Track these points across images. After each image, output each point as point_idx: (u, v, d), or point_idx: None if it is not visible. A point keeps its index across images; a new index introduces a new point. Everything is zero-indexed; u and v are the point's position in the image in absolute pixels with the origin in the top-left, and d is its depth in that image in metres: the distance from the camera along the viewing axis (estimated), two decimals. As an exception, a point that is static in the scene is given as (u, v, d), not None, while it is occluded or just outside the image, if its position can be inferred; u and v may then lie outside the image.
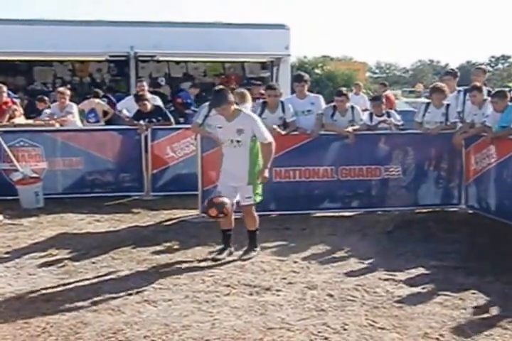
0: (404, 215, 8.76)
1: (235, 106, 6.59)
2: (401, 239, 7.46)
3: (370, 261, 6.57)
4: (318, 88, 29.24)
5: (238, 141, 6.54)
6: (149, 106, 10.26)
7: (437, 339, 4.55)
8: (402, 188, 9.03)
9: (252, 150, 6.64)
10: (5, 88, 11.02)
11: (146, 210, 9.09)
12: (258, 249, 6.86)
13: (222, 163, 6.82)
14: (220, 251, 6.76)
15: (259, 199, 6.79)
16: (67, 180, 10.06)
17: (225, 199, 6.43)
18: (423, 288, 5.71)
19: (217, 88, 6.93)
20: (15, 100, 11.62)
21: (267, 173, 6.72)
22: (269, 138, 6.66)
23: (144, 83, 11.50)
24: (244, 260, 6.56)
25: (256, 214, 6.83)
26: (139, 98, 10.36)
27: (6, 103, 10.89)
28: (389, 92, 17.86)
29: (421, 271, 6.27)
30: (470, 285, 5.74)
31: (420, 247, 7.08)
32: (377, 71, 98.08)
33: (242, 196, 6.71)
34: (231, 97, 6.54)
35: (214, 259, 6.57)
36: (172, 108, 13.37)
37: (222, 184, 6.79)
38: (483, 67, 10.88)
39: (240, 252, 6.83)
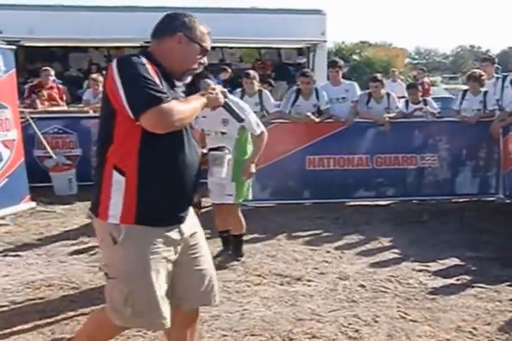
0: (440, 205, 8.63)
1: None
2: (436, 229, 7.33)
3: (403, 251, 6.47)
4: (356, 74, 29.00)
5: (223, 133, 5.74)
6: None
7: (470, 332, 4.43)
8: (438, 177, 8.88)
9: (238, 144, 5.79)
10: (52, 72, 11.10)
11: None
12: (243, 259, 6.16)
13: None
14: (219, 254, 6.26)
15: (243, 198, 5.97)
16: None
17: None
18: (457, 280, 5.58)
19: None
20: (60, 86, 11.65)
21: (253, 168, 5.73)
22: (261, 127, 5.74)
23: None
24: (220, 266, 5.77)
25: (242, 217, 6.07)
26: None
27: (51, 88, 10.97)
28: (426, 79, 17.56)
29: (455, 261, 6.14)
30: (506, 277, 5.60)
31: (455, 237, 6.95)
32: (416, 57, 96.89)
33: (222, 193, 5.87)
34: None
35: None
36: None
37: (211, 182, 5.86)
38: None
39: (272, 241, 6.78)
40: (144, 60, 2.85)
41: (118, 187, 2.89)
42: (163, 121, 2.76)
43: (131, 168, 2.87)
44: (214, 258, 5.97)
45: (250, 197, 6.11)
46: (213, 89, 3.19)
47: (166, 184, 2.95)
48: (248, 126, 5.63)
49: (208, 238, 6.15)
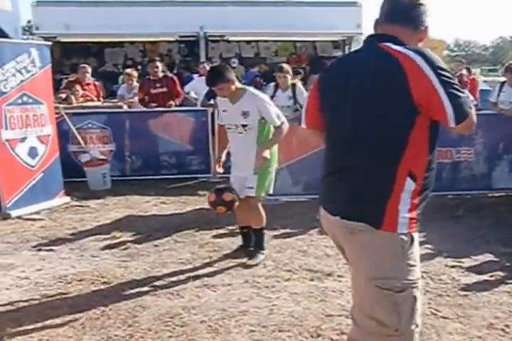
0: (476, 199, 8.49)
1: (237, 85, 5.71)
2: (471, 224, 7.21)
3: (437, 246, 6.35)
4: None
5: (244, 126, 5.69)
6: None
7: (503, 330, 4.33)
8: (473, 171, 8.74)
9: (260, 136, 5.76)
10: (89, 69, 11.19)
11: (213, 193, 9.00)
12: (265, 252, 6.08)
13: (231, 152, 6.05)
14: (237, 249, 6.24)
15: (262, 194, 5.89)
16: (134, 162, 10.13)
17: (235, 196, 5.63)
18: (491, 276, 5.48)
19: (213, 65, 6.41)
20: (96, 83, 11.76)
21: (267, 154, 5.61)
22: (281, 118, 5.73)
23: (206, 65, 11.36)
24: (250, 265, 5.80)
25: (262, 211, 5.97)
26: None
27: (88, 84, 11.08)
28: (464, 71, 17.27)
29: (490, 257, 6.03)
30: (541, 274, 5.49)
31: (491, 233, 6.83)
32: (455, 49, 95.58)
33: (243, 185, 5.81)
34: (230, 75, 5.59)
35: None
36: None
37: (233, 176, 5.97)
38: None
39: (304, 236, 6.75)
40: None
41: (408, 194, 2.70)
42: (473, 125, 2.71)
43: (421, 173, 2.72)
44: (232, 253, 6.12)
45: (271, 190, 6.03)
46: None
47: (431, 187, 2.83)
48: (269, 117, 5.63)
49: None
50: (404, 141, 2.65)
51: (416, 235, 2.77)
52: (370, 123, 2.69)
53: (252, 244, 6.15)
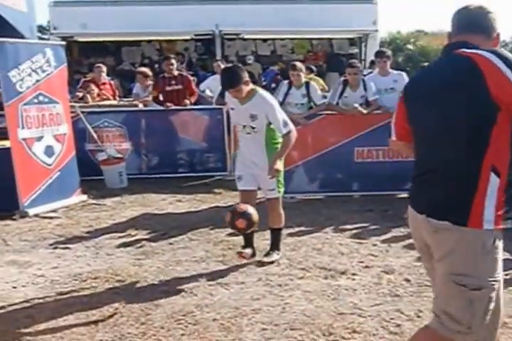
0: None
1: (250, 86, 5.54)
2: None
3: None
4: (412, 64, 28.58)
5: (252, 128, 5.60)
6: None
7: (516, 329, 4.33)
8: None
9: (269, 138, 5.67)
10: (104, 68, 11.26)
11: (228, 190, 9.00)
12: (281, 253, 6.01)
13: (239, 147, 5.96)
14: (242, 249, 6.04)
15: (282, 190, 5.83)
16: (150, 161, 10.18)
17: (249, 209, 5.40)
18: (506, 274, 5.42)
19: (227, 66, 6.20)
20: (111, 82, 11.82)
21: (280, 165, 5.53)
22: (288, 127, 5.52)
23: (220, 63, 11.36)
24: (265, 263, 5.78)
25: (282, 210, 5.92)
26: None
27: (104, 84, 11.15)
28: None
29: (506, 255, 5.97)
30: (558, 273, 5.43)
31: (507, 231, 6.76)
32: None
33: (265, 189, 5.79)
34: (245, 75, 5.42)
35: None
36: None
37: (242, 169, 5.86)
38: None
39: (319, 234, 6.75)
40: None
41: (493, 190, 2.72)
42: None
43: (505, 168, 2.73)
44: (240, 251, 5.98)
45: (282, 190, 5.92)
46: None
47: None
48: (276, 125, 5.53)
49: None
50: (488, 137, 2.69)
51: (500, 234, 2.79)
52: (456, 123, 2.75)
53: (251, 244, 6.03)
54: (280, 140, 5.65)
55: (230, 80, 5.38)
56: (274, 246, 6.01)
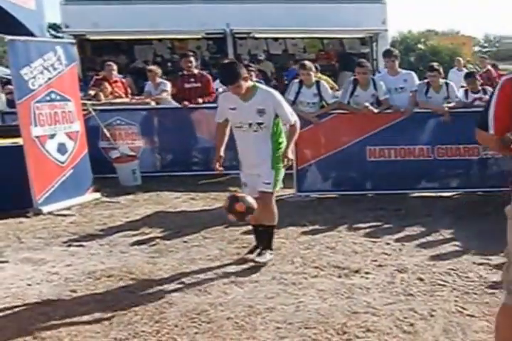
0: (505, 196, 8.35)
1: (250, 82, 5.55)
2: (500, 222, 7.06)
3: (465, 243, 6.30)
4: (423, 63, 28.49)
5: (260, 124, 5.51)
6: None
7: (530, 329, 4.29)
8: (501, 168, 8.60)
9: (274, 132, 5.65)
10: (115, 66, 11.27)
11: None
12: (273, 252, 5.90)
13: (238, 150, 5.91)
14: (252, 250, 5.99)
15: (279, 186, 5.78)
16: (163, 158, 10.19)
17: (248, 196, 5.45)
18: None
19: (225, 61, 6.19)
20: (123, 80, 11.82)
21: (291, 154, 5.64)
22: (294, 115, 5.69)
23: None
24: (258, 262, 5.69)
25: (275, 208, 5.79)
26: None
27: (115, 82, 11.15)
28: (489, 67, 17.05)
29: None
30: None
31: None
32: (486, 45, 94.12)
33: (260, 181, 5.66)
34: (243, 71, 5.38)
35: (249, 259, 5.82)
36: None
37: (246, 175, 5.88)
38: None
39: (332, 232, 6.73)
40: None
41: None
42: None
43: None
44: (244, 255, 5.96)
45: (279, 187, 5.84)
46: None
47: None
48: (284, 116, 5.58)
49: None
50: None
51: None
52: None
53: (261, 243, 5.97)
54: (280, 139, 5.70)
55: (229, 76, 5.36)
56: (266, 245, 5.89)
